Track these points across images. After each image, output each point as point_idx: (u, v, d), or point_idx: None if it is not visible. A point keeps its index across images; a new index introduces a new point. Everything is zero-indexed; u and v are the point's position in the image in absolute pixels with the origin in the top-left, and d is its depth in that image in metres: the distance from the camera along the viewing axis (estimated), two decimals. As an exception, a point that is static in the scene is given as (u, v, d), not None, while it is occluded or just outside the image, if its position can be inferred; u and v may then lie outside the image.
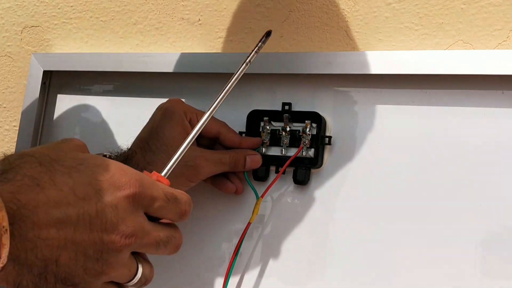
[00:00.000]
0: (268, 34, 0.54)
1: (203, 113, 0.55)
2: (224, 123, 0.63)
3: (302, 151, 0.61)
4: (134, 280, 0.42)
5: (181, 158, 0.52)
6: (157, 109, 0.61)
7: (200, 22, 0.74)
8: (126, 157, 0.59)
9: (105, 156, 0.61)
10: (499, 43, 0.59)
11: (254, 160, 0.62)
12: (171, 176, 0.49)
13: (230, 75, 0.67)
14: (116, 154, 0.63)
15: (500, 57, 0.55)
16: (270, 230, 0.63)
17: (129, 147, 0.62)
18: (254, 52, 0.52)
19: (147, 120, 0.72)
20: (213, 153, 0.61)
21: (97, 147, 0.75)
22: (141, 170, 0.53)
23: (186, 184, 0.60)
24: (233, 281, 0.63)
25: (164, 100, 0.65)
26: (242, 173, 0.63)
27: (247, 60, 0.52)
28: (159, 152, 0.58)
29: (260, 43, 0.53)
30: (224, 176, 0.64)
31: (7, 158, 0.38)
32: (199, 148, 0.60)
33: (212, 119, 0.57)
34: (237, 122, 0.66)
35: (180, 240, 0.45)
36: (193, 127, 0.54)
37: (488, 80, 0.56)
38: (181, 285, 0.66)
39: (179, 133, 0.58)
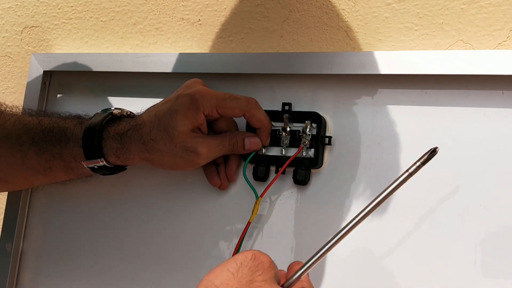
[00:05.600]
0: (433, 151, 0.49)
1: (225, 106, 0.60)
2: (250, 104, 0.61)
3: (302, 151, 0.61)
4: None
5: (181, 143, 0.59)
6: (184, 90, 0.62)
7: (200, 22, 0.74)
8: (136, 125, 0.61)
9: (111, 113, 0.63)
10: (499, 43, 0.59)
11: (252, 142, 0.62)
12: (171, 156, 0.59)
13: (230, 75, 0.68)
14: (127, 114, 0.65)
15: (500, 57, 0.55)
16: (270, 230, 0.63)
17: (142, 114, 0.63)
18: (416, 166, 0.48)
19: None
20: (213, 138, 0.61)
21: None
22: (144, 144, 0.60)
23: (186, 167, 0.61)
24: (233, 281, 0.63)
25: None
26: (233, 170, 0.64)
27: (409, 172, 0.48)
28: (165, 133, 0.59)
29: (422, 160, 0.48)
30: (214, 169, 0.65)
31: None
32: (199, 134, 0.60)
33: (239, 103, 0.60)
34: (238, 122, 0.66)
35: None
36: (208, 118, 0.60)
37: (488, 80, 0.56)
38: (181, 285, 0.66)
39: (189, 125, 0.59)
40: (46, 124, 0.65)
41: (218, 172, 0.65)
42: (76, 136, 0.63)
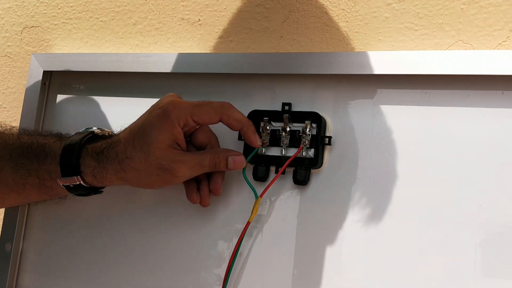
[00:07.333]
0: None
1: (200, 112, 0.57)
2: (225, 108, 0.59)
3: (302, 151, 0.61)
4: None
5: (157, 160, 0.57)
6: (157, 104, 0.60)
7: (200, 22, 0.74)
8: (111, 143, 0.59)
9: (92, 132, 0.62)
10: (499, 43, 0.59)
11: (237, 161, 0.60)
12: (147, 174, 0.57)
13: (230, 75, 0.68)
14: (108, 134, 0.63)
15: (500, 57, 0.55)
16: (269, 230, 0.63)
17: (119, 132, 0.61)
18: None
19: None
20: (192, 156, 0.59)
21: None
22: (119, 162, 0.57)
23: (162, 185, 0.59)
24: (232, 280, 0.63)
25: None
26: (218, 184, 0.62)
27: None
28: (140, 150, 0.57)
29: None
30: (195, 184, 0.63)
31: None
32: (178, 150, 0.58)
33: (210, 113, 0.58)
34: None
35: None
36: (185, 130, 0.58)
37: (488, 80, 0.56)
38: (181, 285, 0.66)
39: (165, 139, 0.57)
40: (25, 140, 0.63)
41: (199, 188, 0.63)
42: (54, 152, 0.61)
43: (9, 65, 0.88)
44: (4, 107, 0.88)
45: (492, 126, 0.56)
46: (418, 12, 0.63)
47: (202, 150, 0.62)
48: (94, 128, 0.64)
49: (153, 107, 0.60)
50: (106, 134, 0.64)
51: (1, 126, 0.68)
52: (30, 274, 0.75)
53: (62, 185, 0.61)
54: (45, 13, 0.85)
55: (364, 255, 0.59)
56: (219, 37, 0.73)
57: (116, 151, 0.58)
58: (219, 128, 0.67)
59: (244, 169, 0.62)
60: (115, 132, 0.64)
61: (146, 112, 0.60)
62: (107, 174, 0.59)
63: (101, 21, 0.81)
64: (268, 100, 0.66)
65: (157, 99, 0.64)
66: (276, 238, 0.63)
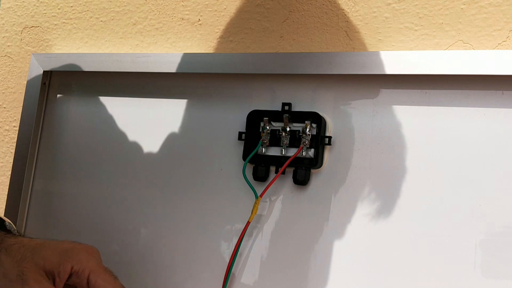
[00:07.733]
0: None
1: (101, 277, 0.52)
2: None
3: (302, 151, 0.61)
4: None
5: (22, 269, 0.50)
6: (78, 243, 0.54)
7: (200, 22, 0.74)
8: (7, 235, 0.54)
9: (3, 221, 0.58)
10: (499, 43, 0.59)
11: None
12: (1, 276, 0.49)
13: (230, 75, 0.68)
14: (13, 231, 0.58)
15: (500, 57, 0.55)
16: (269, 230, 0.63)
17: (24, 236, 0.56)
18: None
19: (146, 120, 0.73)
20: None
21: (96, 147, 0.75)
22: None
23: None
24: (232, 280, 0.63)
25: (164, 100, 0.64)
26: None
27: None
28: (22, 253, 0.51)
29: None
30: None
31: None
32: (46, 280, 0.50)
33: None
34: (237, 122, 0.66)
35: None
36: (73, 280, 0.52)
37: (488, 80, 0.56)
38: (181, 285, 0.66)
39: (48, 263, 0.51)
40: None
41: None
42: None
43: (9, 65, 0.88)
44: (4, 107, 0.88)
45: (492, 126, 0.56)
46: (418, 12, 0.63)
47: None
48: (9, 222, 0.59)
49: (73, 242, 0.54)
50: (13, 231, 0.58)
51: None
52: (30, 274, 0.75)
53: None
54: (45, 13, 0.85)
55: (364, 254, 0.59)
56: (219, 37, 0.73)
57: (4, 240, 0.52)
58: (219, 126, 0.67)
59: (244, 169, 0.62)
60: (28, 237, 0.57)
61: (53, 243, 0.54)
62: None
63: (101, 21, 0.81)
64: (268, 100, 0.66)
65: (157, 99, 0.65)
66: (276, 238, 0.63)
